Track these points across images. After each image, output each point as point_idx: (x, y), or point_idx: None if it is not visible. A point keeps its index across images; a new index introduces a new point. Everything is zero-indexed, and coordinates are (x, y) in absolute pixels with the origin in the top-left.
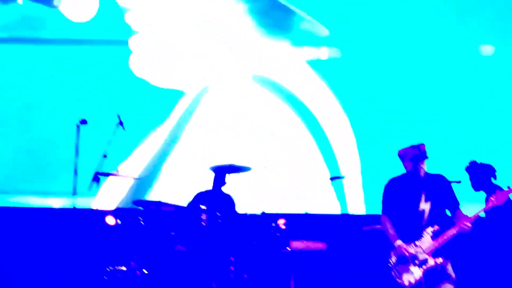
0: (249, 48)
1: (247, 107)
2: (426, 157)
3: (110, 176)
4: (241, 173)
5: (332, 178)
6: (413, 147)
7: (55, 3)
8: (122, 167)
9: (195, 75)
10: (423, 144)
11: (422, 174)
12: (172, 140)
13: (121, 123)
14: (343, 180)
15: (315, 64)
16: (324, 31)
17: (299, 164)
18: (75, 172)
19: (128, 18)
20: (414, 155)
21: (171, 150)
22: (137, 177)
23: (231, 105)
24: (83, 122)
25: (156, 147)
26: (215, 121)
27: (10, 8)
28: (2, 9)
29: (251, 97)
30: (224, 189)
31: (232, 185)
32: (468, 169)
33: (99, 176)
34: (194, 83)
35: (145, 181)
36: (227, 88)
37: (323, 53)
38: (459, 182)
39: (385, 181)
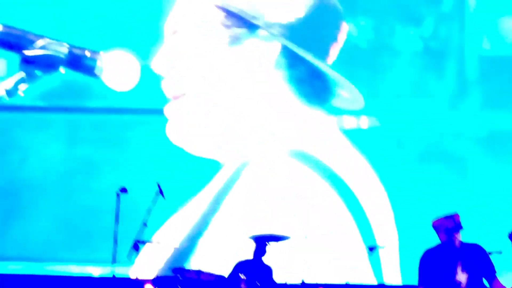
0: (287, 119)
1: (284, 181)
2: (461, 228)
3: (150, 245)
4: (281, 243)
5: (369, 248)
6: (446, 217)
7: (96, 72)
8: (161, 236)
9: (232, 146)
10: (457, 214)
11: (457, 244)
12: (211, 210)
13: (161, 191)
14: (380, 251)
15: (351, 133)
16: (362, 100)
17: (336, 235)
18: (115, 240)
19: (163, 86)
20: (448, 227)
21: (211, 219)
22: (176, 245)
23: (269, 179)
24: (123, 190)
25: (195, 216)
26: (254, 193)
27: (52, 76)
28: (44, 78)
29: (288, 171)
30: (264, 259)
31: (272, 254)
32: (511, 236)
33: (138, 244)
34: (233, 156)
35: (184, 249)
36: (266, 163)
37: (362, 122)
38: (500, 252)
39: (422, 252)
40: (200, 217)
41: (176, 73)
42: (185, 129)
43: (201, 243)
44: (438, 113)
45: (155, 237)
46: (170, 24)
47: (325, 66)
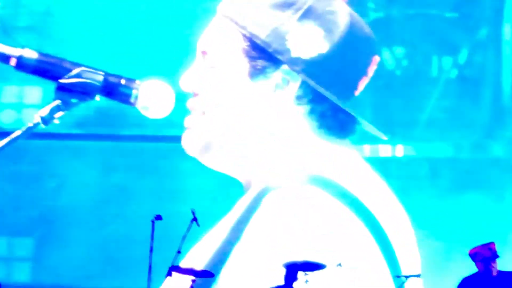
0: (307, 148)
1: (306, 208)
2: (497, 256)
3: (184, 273)
4: (314, 271)
5: (396, 276)
6: (483, 246)
7: (131, 100)
8: (187, 263)
9: (256, 174)
10: (493, 243)
11: (494, 273)
12: (233, 237)
13: (195, 218)
14: (409, 281)
15: (373, 161)
16: (383, 136)
17: (361, 265)
18: (150, 268)
19: (189, 103)
20: (485, 256)
21: (235, 245)
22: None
23: (291, 206)
24: (158, 218)
25: (217, 242)
26: (276, 221)
27: (87, 104)
28: (79, 106)
29: (309, 197)
30: (296, 285)
31: (305, 282)
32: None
33: (173, 272)
34: (252, 175)
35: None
36: (287, 189)
37: (396, 150)
38: None
39: (458, 280)
40: (222, 244)
41: (202, 91)
42: (203, 142)
43: (225, 271)
44: (474, 141)
45: (183, 264)
46: (201, 44)
47: (345, 104)
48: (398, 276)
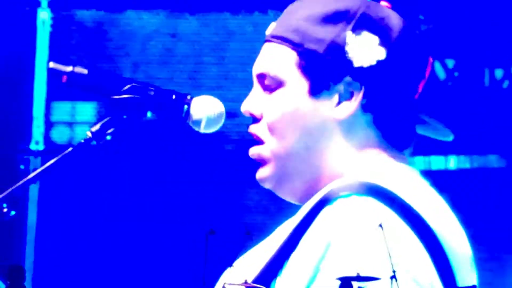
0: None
1: (363, 220)
2: None
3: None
4: (368, 282)
5: None
6: None
7: (183, 116)
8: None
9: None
10: None
11: None
12: (290, 247)
13: (248, 232)
14: None
15: (426, 174)
16: (450, 135)
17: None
18: (203, 283)
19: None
20: None
21: (289, 257)
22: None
23: (349, 219)
24: (212, 232)
25: (273, 253)
26: (335, 231)
27: (138, 120)
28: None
29: (367, 209)
30: None
31: None
32: None
33: (227, 286)
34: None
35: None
36: (344, 202)
37: (438, 162)
38: None
39: None
40: (275, 256)
41: (263, 116)
42: (277, 174)
43: (279, 283)
44: None
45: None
46: (257, 68)
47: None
48: None
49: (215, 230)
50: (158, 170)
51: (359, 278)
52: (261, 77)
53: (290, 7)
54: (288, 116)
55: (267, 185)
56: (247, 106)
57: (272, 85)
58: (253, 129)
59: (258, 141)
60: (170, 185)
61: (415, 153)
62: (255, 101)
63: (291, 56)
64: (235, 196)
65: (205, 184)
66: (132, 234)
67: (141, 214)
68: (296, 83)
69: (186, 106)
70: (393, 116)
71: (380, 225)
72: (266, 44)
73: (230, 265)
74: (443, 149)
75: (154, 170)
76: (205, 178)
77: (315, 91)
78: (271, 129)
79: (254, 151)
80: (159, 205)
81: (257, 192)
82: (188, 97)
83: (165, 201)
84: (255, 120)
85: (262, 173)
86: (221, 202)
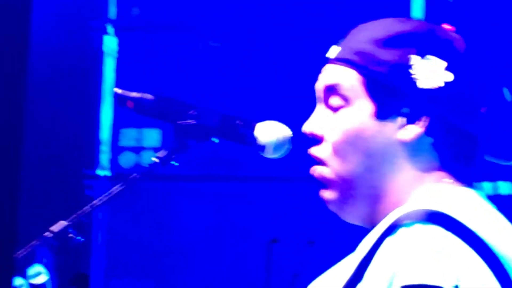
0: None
1: (428, 248)
2: None
3: None
4: None
5: None
6: None
7: (248, 141)
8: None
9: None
10: None
11: None
12: (358, 275)
13: (312, 242)
14: None
15: (494, 199)
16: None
17: None
18: None
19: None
20: None
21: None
22: None
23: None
24: (274, 241)
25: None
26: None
27: (204, 146)
28: (196, 147)
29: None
30: None
31: None
32: None
33: None
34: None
35: None
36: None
37: (505, 187)
38: None
39: None
40: (344, 283)
41: (326, 137)
42: (341, 197)
43: None
44: None
45: None
46: (324, 81)
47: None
48: None
49: (278, 239)
50: (223, 197)
51: None
52: (327, 91)
53: (354, 31)
54: (352, 137)
55: (330, 207)
56: (310, 126)
57: (337, 102)
58: (315, 151)
59: (319, 162)
60: (233, 196)
61: (482, 178)
62: (317, 121)
63: (355, 78)
64: (296, 216)
65: (268, 193)
66: (199, 255)
67: (204, 233)
68: (361, 104)
69: (251, 131)
70: (458, 140)
71: (445, 254)
72: (329, 66)
73: (294, 274)
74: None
75: (217, 179)
76: (264, 203)
77: (381, 113)
78: (335, 150)
79: (317, 172)
80: (222, 215)
81: (318, 209)
82: (254, 122)
83: (229, 209)
84: (316, 141)
85: (326, 195)
86: (281, 224)
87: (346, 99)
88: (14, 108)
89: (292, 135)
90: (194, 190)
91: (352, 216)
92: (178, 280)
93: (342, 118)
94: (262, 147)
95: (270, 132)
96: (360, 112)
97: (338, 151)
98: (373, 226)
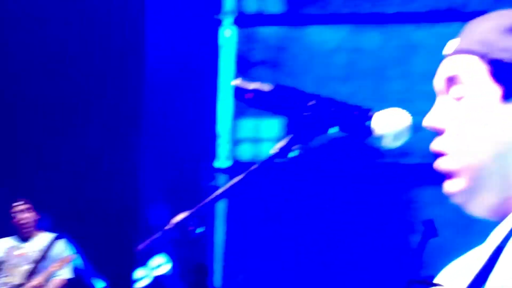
0: None
1: None
2: None
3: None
4: None
5: None
6: None
7: (368, 131)
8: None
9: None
10: None
11: None
12: (489, 266)
13: (434, 228)
14: None
15: None
16: None
17: None
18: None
19: (435, 144)
20: None
21: (489, 275)
22: None
23: None
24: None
25: (472, 269)
26: None
27: (322, 137)
28: (315, 139)
29: None
30: None
31: None
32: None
33: (413, 284)
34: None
35: None
36: None
37: None
38: None
39: None
40: (475, 274)
41: (450, 127)
42: (468, 188)
43: None
44: None
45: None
46: (446, 72)
47: None
48: None
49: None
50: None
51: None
52: (450, 81)
53: (473, 22)
54: (479, 124)
55: (456, 200)
56: (431, 120)
57: (460, 92)
58: (437, 145)
59: (443, 155)
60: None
61: None
62: (439, 115)
63: (479, 65)
64: (420, 212)
65: (389, 200)
66: (321, 244)
67: (327, 223)
68: (487, 90)
69: (369, 121)
70: None
71: None
72: (449, 58)
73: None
74: None
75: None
76: (388, 193)
77: (508, 96)
78: (461, 140)
79: (441, 164)
80: (348, 220)
81: (442, 207)
82: (371, 111)
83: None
84: (438, 135)
85: (451, 187)
86: (404, 218)
87: (470, 87)
88: (133, 104)
89: (411, 123)
90: (315, 182)
91: (480, 207)
92: (301, 269)
93: (467, 106)
94: (380, 137)
95: (389, 121)
96: (486, 97)
97: (464, 139)
98: (502, 217)
